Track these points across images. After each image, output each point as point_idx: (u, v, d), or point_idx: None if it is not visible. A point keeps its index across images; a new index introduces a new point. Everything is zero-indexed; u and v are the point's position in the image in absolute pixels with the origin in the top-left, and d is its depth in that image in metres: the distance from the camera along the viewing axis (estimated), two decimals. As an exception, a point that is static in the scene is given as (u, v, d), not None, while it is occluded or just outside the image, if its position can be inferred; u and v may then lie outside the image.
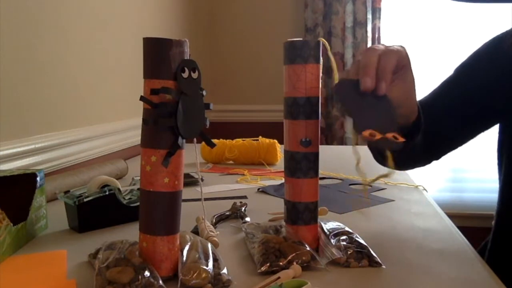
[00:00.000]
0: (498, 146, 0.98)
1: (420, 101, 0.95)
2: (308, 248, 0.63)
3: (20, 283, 0.61)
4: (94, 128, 1.35)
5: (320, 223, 0.71)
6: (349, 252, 0.64)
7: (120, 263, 0.57)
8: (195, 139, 0.60)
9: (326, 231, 0.70)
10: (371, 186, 1.10)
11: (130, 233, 0.78)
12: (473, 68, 0.93)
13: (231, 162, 1.44)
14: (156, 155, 0.57)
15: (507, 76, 0.87)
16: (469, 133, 0.94)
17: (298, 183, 0.68)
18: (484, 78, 0.90)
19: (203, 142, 0.62)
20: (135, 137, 1.56)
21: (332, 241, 0.67)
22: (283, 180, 0.82)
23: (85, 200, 0.78)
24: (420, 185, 1.10)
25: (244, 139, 1.44)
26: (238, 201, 0.92)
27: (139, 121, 0.59)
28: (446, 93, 0.94)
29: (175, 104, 0.56)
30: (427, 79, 2.33)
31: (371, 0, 2.31)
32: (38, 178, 0.78)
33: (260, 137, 1.44)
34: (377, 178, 0.64)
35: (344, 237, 0.68)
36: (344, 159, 1.50)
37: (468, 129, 0.93)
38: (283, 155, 0.79)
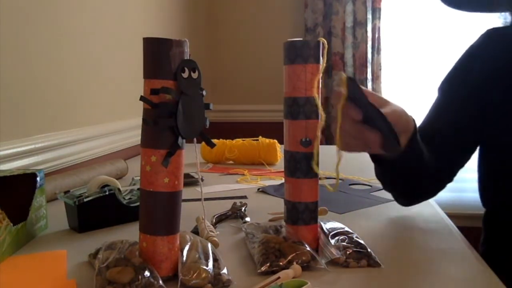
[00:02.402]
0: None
1: (424, 124, 0.95)
2: (308, 248, 0.63)
3: (20, 283, 0.61)
4: (94, 128, 1.35)
5: (320, 223, 0.71)
6: (348, 252, 0.64)
7: (120, 263, 0.57)
8: (195, 139, 0.60)
9: (326, 231, 0.70)
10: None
11: (130, 233, 0.78)
12: (467, 69, 0.93)
13: (231, 162, 1.44)
14: (156, 155, 0.57)
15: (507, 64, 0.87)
16: (476, 143, 0.94)
17: (298, 183, 0.68)
18: (483, 72, 0.89)
19: (203, 142, 0.62)
20: (135, 137, 1.56)
21: (332, 241, 0.67)
22: (283, 180, 0.82)
23: (85, 200, 0.78)
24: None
25: (244, 139, 1.44)
26: (238, 201, 0.92)
27: (139, 121, 0.59)
28: (448, 108, 0.94)
29: (175, 104, 0.56)
30: (427, 79, 2.33)
31: (371, 0, 2.31)
32: (38, 178, 0.78)
33: (260, 137, 1.44)
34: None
35: (343, 237, 0.68)
36: (344, 159, 1.49)
37: (476, 139, 0.93)
38: (283, 155, 0.79)
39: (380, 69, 2.32)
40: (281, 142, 0.87)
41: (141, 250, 0.59)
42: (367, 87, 2.33)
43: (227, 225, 0.83)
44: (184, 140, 0.59)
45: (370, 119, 0.62)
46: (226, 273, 0.58)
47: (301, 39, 0.66)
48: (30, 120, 1.08)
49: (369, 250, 0.65)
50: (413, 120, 0.74)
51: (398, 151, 0.65)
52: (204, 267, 0.57)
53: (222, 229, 0.80)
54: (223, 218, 0.85)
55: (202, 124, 0.59)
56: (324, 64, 0.67)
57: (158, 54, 0.56)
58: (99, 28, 1.38)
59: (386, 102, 0.69)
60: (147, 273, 0.55)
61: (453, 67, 0.96)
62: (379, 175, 0.84)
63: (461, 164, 0.92)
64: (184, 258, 0.59)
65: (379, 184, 1.12)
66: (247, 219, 0.83)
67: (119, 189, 0.83)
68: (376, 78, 2.32)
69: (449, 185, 0.93)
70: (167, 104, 0.56)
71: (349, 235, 0.69)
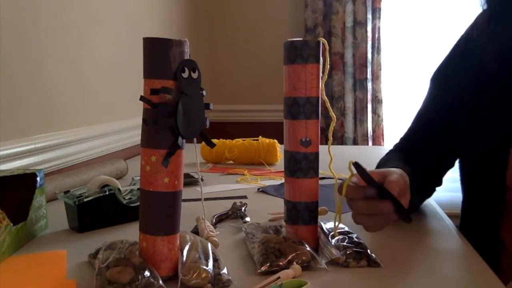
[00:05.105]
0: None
1: (412, 129, 0.96)
2: (308, 248, 0.63)
3: (20, 283, 0.61)
4: (94, 128, 1.35)
5: (320, 223, 0.71)
6: (348, 252, 0.64)
7: (120, 263, 0.57)
8: (195, 139, 0.60)
9: (326, 231, 0.70)
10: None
11: (130, 233, 0.78)
12: (449, 75, 0.93)
13: (231, 162, 1.44)
14: (156, 155, 0.57)
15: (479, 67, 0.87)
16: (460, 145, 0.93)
17: (298, 183, 0.68)
18: (462, 77, 0.89)
19: (203, 142, 0.62)
20: (135, 137, 1.56)
21: (332, 241, 0.67)
22: (283, 180, 0.82)
23: (85, 200, 0.78)
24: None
25: (244, 139, 1.44)
26: (238, 201, 0.92)
27: (139, 121, 0.59)
28: (432, 109, 0.94)
29: (175, 104, 0.56)
30: (427, 79, 2.33)
31: (371, 0, 2.31)
32: (38, 178, 0.78)
33: (260, 137, 1.44)
34: None
35: (343, 237, 0.68)
36: (344, 159, 1.49)
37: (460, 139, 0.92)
38: (283, 155, 0.79)
39: (380, 69, 2.32)
40: (281, 142, 0.87)
41: (141, 250, 0.59)
42: (367, 87, 2.33)
43: (227, 225, 0.83)
44: (184, 140, 0.59)
45: (380, 194, 0.67)
46: (226, 273, 0.58)
47: (301, 39, 0.66)
48: (30, 120, 1.08)
49: (369, 250, 0.65)
50: (407, 175, 0.76)
51: (409, 219, 0.69)
52: (204, 267, 0.57)
53: (222, 229, 0.80)
54: (223, 218, 0.85)
55: (202, 124, 0.59)
56: (328, 66, 0.67)
57: (158, 54, 0.56)
58: (99, 28, 1.38)
59: (388, 171, 0.73)
60: (147, 273, 0.55)
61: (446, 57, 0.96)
62: None
63: (451, 163, 0.92)
64: (184, 258, 0.59)
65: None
66: (247, 219, 0.83)
67: (119, 189, 0.83)
68: (376, 78, 2.32)
69: (449, 185, 0.93)
70: (167, 104, 0.56)
71: (349, 235, 0.69)
